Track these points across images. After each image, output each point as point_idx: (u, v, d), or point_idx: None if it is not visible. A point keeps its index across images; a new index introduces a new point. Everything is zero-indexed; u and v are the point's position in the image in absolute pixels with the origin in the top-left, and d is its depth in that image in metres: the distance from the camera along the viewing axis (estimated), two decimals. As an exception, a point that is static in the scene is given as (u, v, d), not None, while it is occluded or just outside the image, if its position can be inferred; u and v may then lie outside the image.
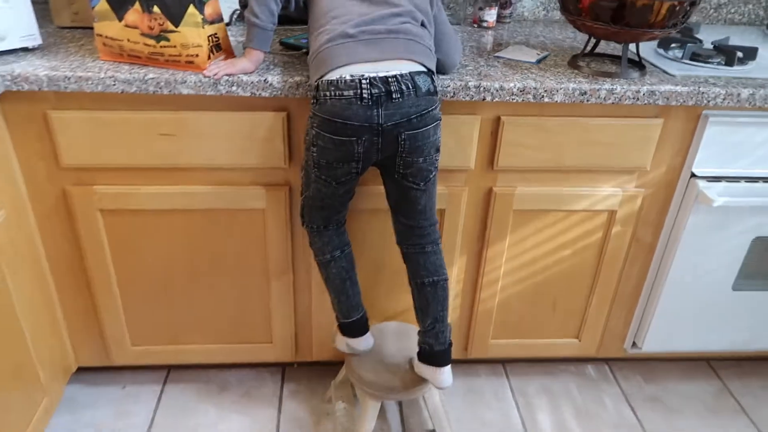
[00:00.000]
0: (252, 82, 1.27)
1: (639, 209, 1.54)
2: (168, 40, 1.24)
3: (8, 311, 1.30)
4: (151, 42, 1.25)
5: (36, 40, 1.35)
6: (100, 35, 1.28)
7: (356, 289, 1.42)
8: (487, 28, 1.78)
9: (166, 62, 1.28)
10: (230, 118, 1.32)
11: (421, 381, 1.42)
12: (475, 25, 1.79)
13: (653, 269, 1.65)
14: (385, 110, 1.13)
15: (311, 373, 1.86)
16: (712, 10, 1.98)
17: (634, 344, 1.79)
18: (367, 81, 1.11)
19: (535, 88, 1.32)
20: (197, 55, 1.25)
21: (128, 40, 1.27)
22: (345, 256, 1.38)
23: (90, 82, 1.24)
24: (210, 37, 1.26)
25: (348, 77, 1.11)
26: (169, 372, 1.85)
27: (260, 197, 1.44)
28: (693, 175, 1.49)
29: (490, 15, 1.76)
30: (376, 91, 1.11)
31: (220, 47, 1.31)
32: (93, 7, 1.25)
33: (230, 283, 1.57)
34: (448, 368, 1.36)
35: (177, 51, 1.25)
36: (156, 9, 1.21)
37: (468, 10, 1.84)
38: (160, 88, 1.25)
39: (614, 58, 1.50)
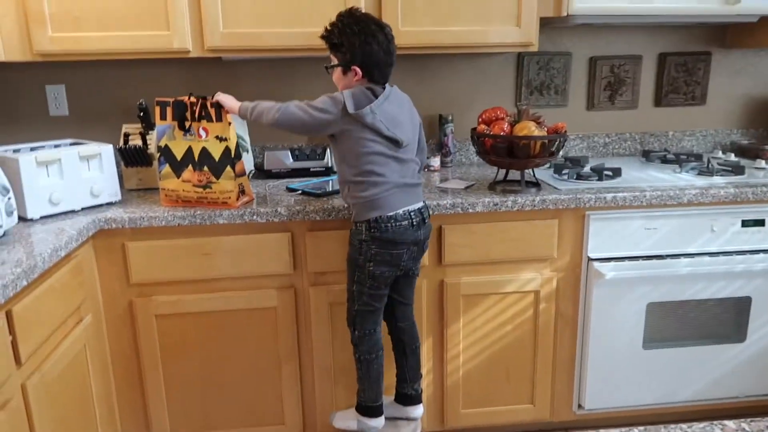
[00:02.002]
0: (267, 212, 1.85)
1: (556, 289, 2.05)
2: (211, 188, 1.85)
3: (89, 396, 1.74)
4: (200, 190, 1.86)
5: (118, 197, 1.96)
6: (164, 188, 1.89)
7: (382, 379, 1.88)
8: (434, 171, 2.43)
9: (208, 203, 1.87)
10: (251, 238, 1.89)
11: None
12: (426, 170, 2.44)
13: (579, 337, 2.12)
14: (422, 230, 1.75)
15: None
16: (601, 147, 2.67)
17: (580, 406, 2.19)
18: (413, 213, 1.71)
19: (461, 203, 1.91)
20: (230, 198, 1.85)
21: (183, 190, 1.87)
22: (382, 355, 1.85)
23: (157, 219, 1.82)
24: (239, 186, 1.87)
25: (401, 212, 1.70)
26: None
27: (273, 297, 1.95)
28: (590, 259, 2.03)
29: (435, 161, 2.42)
30: (418, 218, 1.72)
31: (244, 192, 1.92)
32: (161, 171, 1.88)
33: (251, 370, 2.01)
34: (421, 404, 1.93)
35: (216, 196, 1.86)
36: (206, 168, 1.83)
37: (420, 160, 2.51)
38: (204, 220, 1.84)
39: (519, 183, 2.11)
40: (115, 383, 1.97)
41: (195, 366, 1.99)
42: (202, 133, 1.84)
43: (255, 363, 2.01)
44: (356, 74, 1.70)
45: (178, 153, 1.86)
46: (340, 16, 1.71)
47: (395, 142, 1.70)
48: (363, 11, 1.72)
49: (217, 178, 1.84)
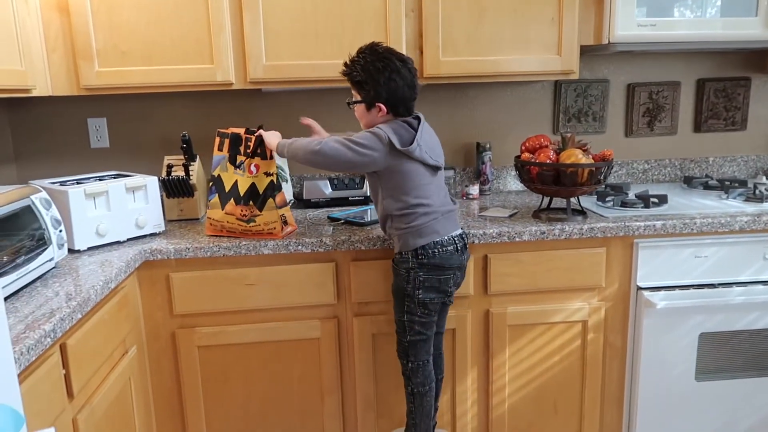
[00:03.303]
0: (312, 242, 1.84)
1: (605, 318, 2.00)
2: (255, 221, 1.84)
3: (132, 430, 1.72)
4: (243, 223, 1.85)
5: (161, 228, 1.96)
6: (210, 218, 1.90)
7: (432, 414, 1.85)
8: (473, 199, 2.41)
9: (253, 234, 1.86)
10: (295, 269, 1.87)
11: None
12: (464, 198, 2.42)
13: (628, 368, 2.05)
14: (465, 254, 1.74)
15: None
16: (640, 173, 2.63)
17: (630, 441, 2.11)
18: (457, 238, 1.71)
19: (507, 232, 1.88)
20: (274, 228, 1.84)
21: (227, 222, 1.87)
22: (434, 387, 1.82)
23: (202, 250, 1.82)
24: (281, 216, 1.86)
25: (446, 238, 1.69)
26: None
27: (316, 328, 1.93)
28: (639, 288, 1.98)
29: (474, 189, 2.40)
30: (461, 243, 1.72)
31: (287, 222, 1.91)
32: (209, 200, 1.88)
33: (293, 401, 1.98)
34: None
35: (260, 228, 1.85)
36: (251, 202, 1.83)
37: (458, 188, 2.49)
38: (250, 250, 1.83)
39: (564, 210, 2.08)
40: (156, 416, 1.94)
41: (236, 398, 1.96)
42: (254, 169, 1.84)
43: (297, 394, 1.98)
44: (381, 110, 1.68)
45: (227, 185, 1.87)
46: (361, 52, 1.67)
47: (436, 169, 1.71)
48: (385, 46, 1.69)
49: (261, 210, 1.84)
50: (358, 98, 1.71)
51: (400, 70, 1.64)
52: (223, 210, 1.88)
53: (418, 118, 1.71)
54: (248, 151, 1.84)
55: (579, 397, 2.06)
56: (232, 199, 1.87)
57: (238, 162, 1.85)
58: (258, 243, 1.83)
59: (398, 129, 1.65)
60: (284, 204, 1.91)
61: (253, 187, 1.84)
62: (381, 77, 1.63)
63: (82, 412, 1.41)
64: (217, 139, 1.89)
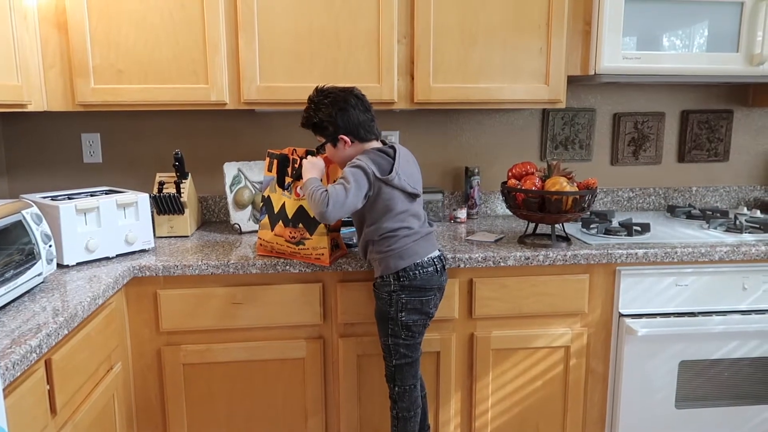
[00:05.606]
0: (300, 262, 1.86)
1: (587, 344, 2.03)
2: (304, 244, 1.84)
3: (114, 442, 1.72)
4: (293, 245, 1.85)
5: (151, 244, 1.98)
6: (260, 238, 1.91)
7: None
8: (461, 222, 2.44)
9: (301, 257, 1.87)
10: (282, 288, 1.89)
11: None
12: (451, 221, 2.46)
13: (610, 394, 2.08)
14: (444, 275, 1.78)
15: None
16: (625, 201, 2.68)
17: (611, 467, 2.13)
18: (436, 259, 1.75)
19: (493, 257, 1.91)
20: (322, 255, 1.84)
21: (276, 243, 1.88)
22: (420, 413, 1.84)
23: (191, 268, 1.83)
24: (331, 241, 1.86)
25: (426, 259, 1.72)
26: None
27: (302, 348, 1.94)
28: (621, 315, 2.02)
29: (462, 213, 2.44)
30: (440, 264, 1.76)
31: (338, 246, 1.92)
32: (260, 220, 1.90)
33: (277, 422, 1.98)
34: None
35: (309, 252, 1.85)
36: (300, 225, 1.83)
37: (446, 211, 2.53)
38: (238, 269, 1.85)
39: (549, 236, 2.12)
40: (140, 434, 1.94)
41: (220, 416, 1.96)
42: (300, 191, 1.82)
43: (281, 415, 1.98)
44: (345, 142, 1.74)
45: (276, 206, 1.87)
46: (309, 98, 1.77)
47: (415, 197, 1.76)
48: (328, 86, 1.77)
49: (311, 234, 1.83)
50: (323, 140, 1.77)
51: (347, 99, 1.72)
52: (272, 231, 1.88)
53: (393, 148, 1.75)
54: (294, 173, 1.83)
55: (561, 422, 2.08)
56: (280, 220, 1.86)
57: (285, 183, 1.85)
58: (246, 262, 1.85)
59: (376, 159, 1.70)
60: (338, 228, 1.92)
61: (301, 209, 1.83)
62: (332, 110, 1.71)
63: (65, 429, 1.41)
64: (267, 160, 1.89)
